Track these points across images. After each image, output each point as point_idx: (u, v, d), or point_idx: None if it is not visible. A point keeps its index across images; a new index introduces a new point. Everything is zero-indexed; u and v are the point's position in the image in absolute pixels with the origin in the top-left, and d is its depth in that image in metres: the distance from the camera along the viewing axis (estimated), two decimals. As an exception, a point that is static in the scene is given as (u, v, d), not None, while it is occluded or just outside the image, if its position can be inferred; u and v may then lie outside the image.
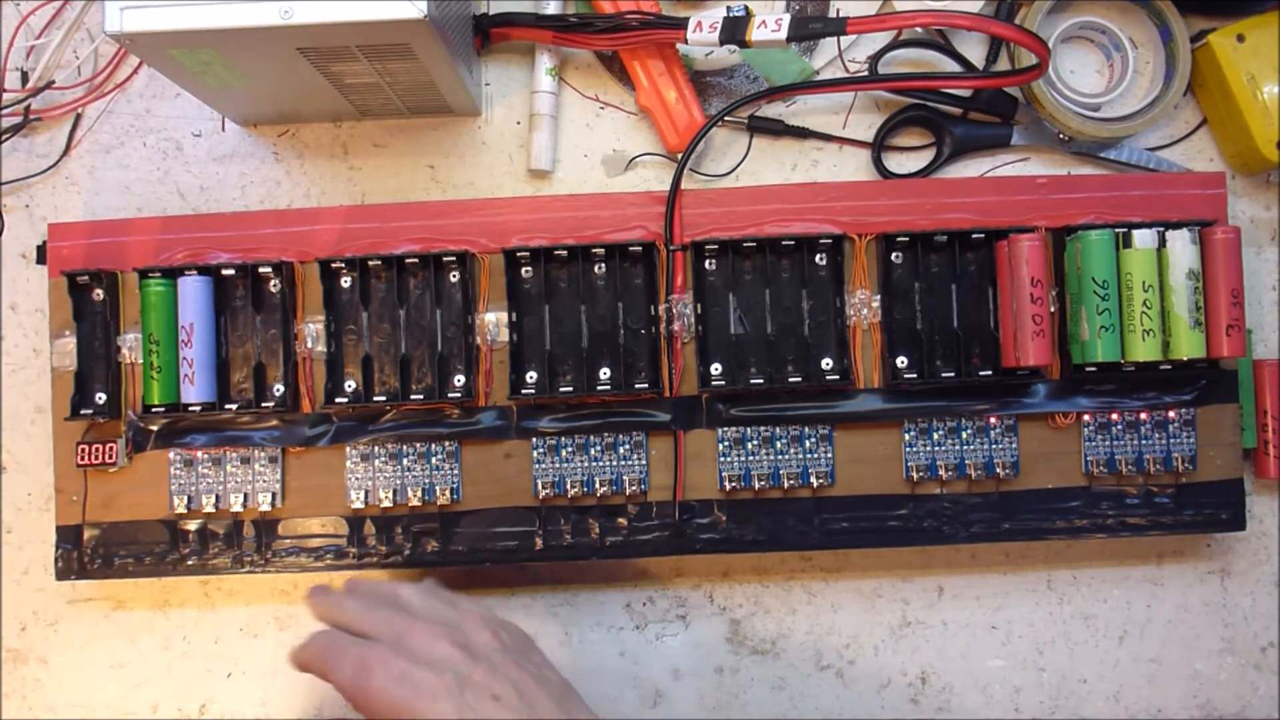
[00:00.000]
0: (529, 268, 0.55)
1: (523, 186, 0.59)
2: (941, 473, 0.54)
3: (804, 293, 0.54)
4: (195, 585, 0.58)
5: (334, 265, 0.54)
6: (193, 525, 0.55)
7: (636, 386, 0.54)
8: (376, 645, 0.43)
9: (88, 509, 0.55)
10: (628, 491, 0.54)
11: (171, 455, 0.55)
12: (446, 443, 0.55)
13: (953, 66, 0.58)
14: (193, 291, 0.54)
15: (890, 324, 0.54)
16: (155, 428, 0.55)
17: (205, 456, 0.55)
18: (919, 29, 0.58)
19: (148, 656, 0.58)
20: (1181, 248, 0.52)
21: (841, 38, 0.57)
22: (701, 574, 0.58)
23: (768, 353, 0.54)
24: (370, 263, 0.54)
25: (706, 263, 0.55)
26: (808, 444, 0.54)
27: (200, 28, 0.45)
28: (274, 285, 0.55)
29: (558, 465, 0.54)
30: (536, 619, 0.58)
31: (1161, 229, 0.52)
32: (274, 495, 0.55)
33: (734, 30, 0.53)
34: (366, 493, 0.55)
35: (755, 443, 0.54)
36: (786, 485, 0.54)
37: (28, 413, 0.59)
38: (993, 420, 0.54)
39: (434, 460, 0.55)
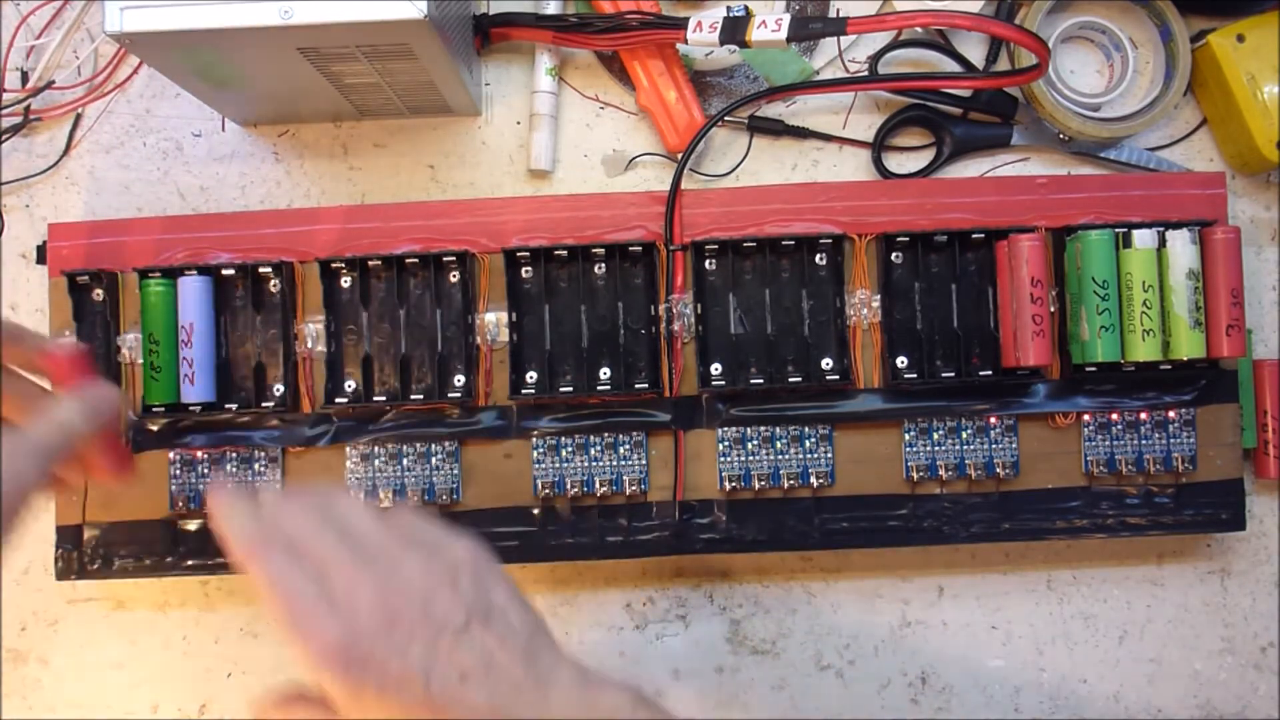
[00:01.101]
0: (529, 268, 0.55)
1: (523, 186, 0.59)
2: (941, 473, 0.54)
3: (804, 293, 0.54)
4: (195, 585, 0.58)
5: (334, 265, 0.54)
6: (193, 525, 0.55)
7: (636, 386, 0.54)
8: (341, 616, 0.36)
9: (88, 509, 0.55)
10: (628, 491, 0.54)
11: (171, 455, 0.55)
12: (446, 443, 0.55)
13: (953, 66, 0.58)
14: (193, 291, 0.54)
15: (890, 324, 0.54)
16: (155, 428, 0.55)
17: (205, 456, 0.55)
18: (919, 29, 0.58)
19: (148, 656, 0.58)
20: (1181, 248, 0.52)
21: (841, 38, 0.57)
22: (701, 574, 0.58)
23: (768, 353, 0.54)
24: (370, 263, 0.54)
25: (706, 263, 0.55)
26: (808, 444, 0.54)
27: (200, 28, 0.45)
28: (274, 285, 0.55)
29: (558, 465, 0.54)
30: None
31: (1161, 229, 0.52)
32: (274, 495, 0.55)
33: (734, 30, 0.53)
34: (366, 493, 0.55)
35: (755, 443, 0.54)
36: (786, 485, 0.54)
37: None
38: (993, 420, 0.54)
39: (434, 460, 0.55)
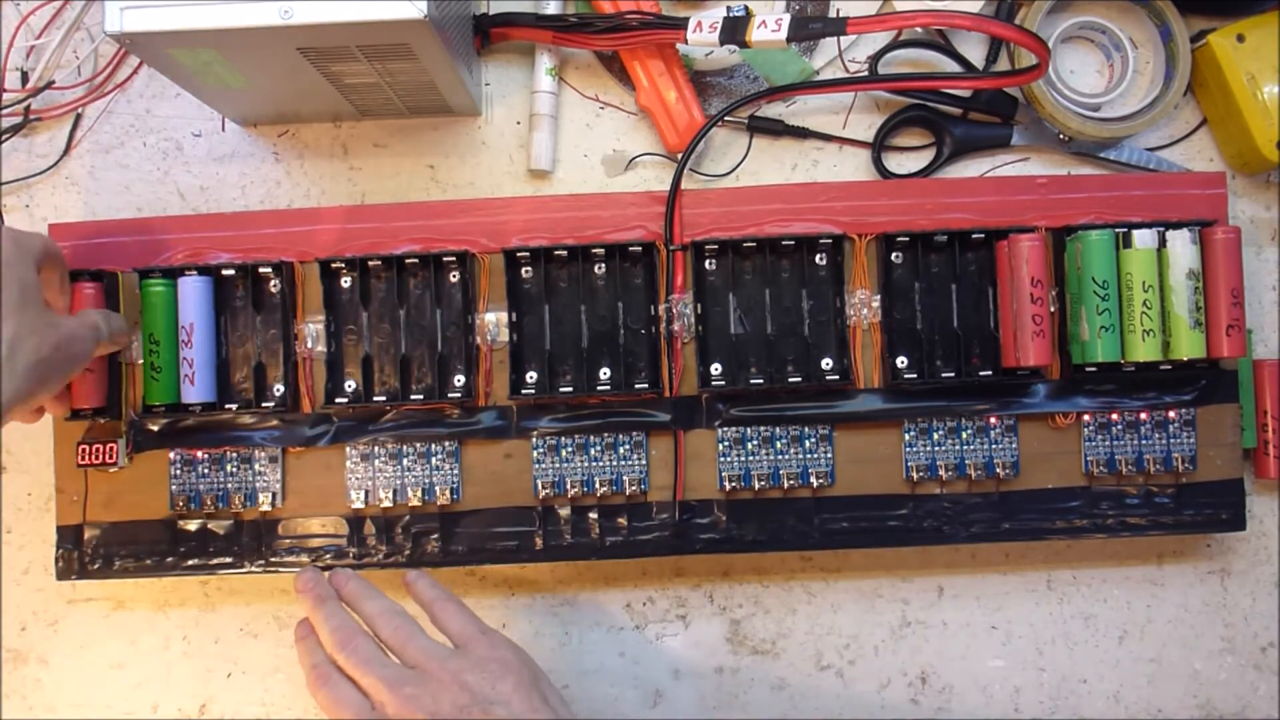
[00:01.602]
0: (529, 268, 0.55)
1: (523, 186, 0.59)
2: (941, 473, 0.54)
3: (804, 293, 0.54)
4: (195, 585, 0.58)
5: (334, 265, 0.54)
6: (193, 525, 0.55)
7: (636, 386, 0.54)
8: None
9: (88, 509, 0.55)
10: (628, 491, 0.54)
11: (171, 455, 0.55)
12: (446, 443, 0.55)
13: (953, 66, 0.58)
14: (193, 291, 0.54)
15: (890, 324, 0.54)
16: (155, 428, 0.55)
17: (205, 456, 0.55)
18: (919, 29, 0.58)
19: (148, 656, 0.58)
20: (1181, 248, 0.52)
21: (841, 38, 0.57)
22: (701, 574, 0.58)
23: (768, 353, 0.54)
24: (370, 263, 0.54)
25: (706, 263, 0.55)
26: (808, 444, 0.54)
27: (200, 28, 0.45)
28: (274, 285, 0.55)
29: (558, 465, 0.54)
30: (537, 619, 0.58)
31: (1161, 229, 0.52)
32: (274, 495, 0.55)
33: (734, 30, 0.53)
34: (366, 493, 0.55)
35: (755, 443, 0.54)
36: (786, 485, 0.54)
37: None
38: (993, 420, 0.54)
39: (434, 460, 0.55)
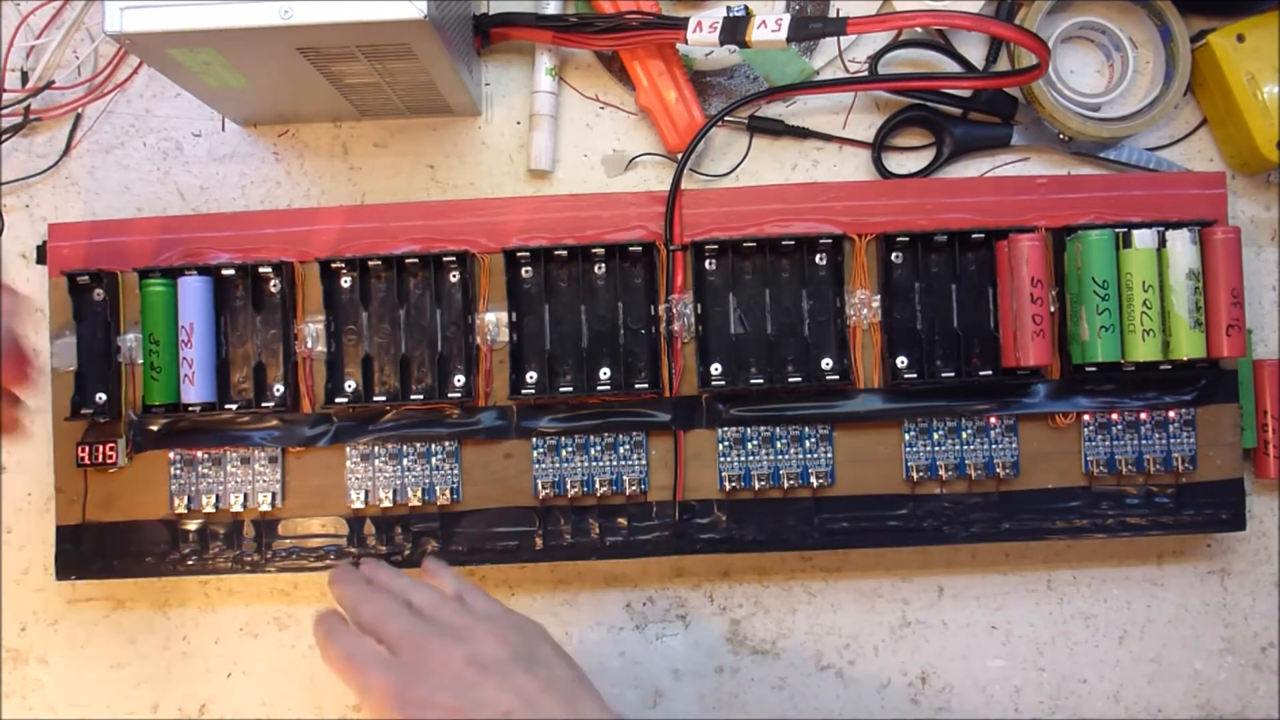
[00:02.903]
0: (529, 268, 0.55)
1: (523, 186, 0.59)
2: (941, 473, 0.54)
3: (804, 293, 0.54)
4: (195, 585, 0.58)
5: (334, 265, 0.54)
6: (193, 525, 0.55)
7: (636, 386, 0.54)
8: (396, 667, 0.43)
9: (88, 509, 0.55)
10: (628, 491, 0.54)
11: (171, 455, 0.55)
12: (446, 443, 0.55)
13: (953, 66, 0.58)
14: (193, 291, 0.54)
15: (890, 324, 0.54)
16: (155, 428, 0.55)
17: (205, 456, 0.55)
18: (919, 29, 0.58)
19: (148, 656, 0.58)
20: (1181, 248, 0.52)
21: (841, 38, 0.57)
22: (701, 574, 0.58)
23: (768, 353, 0.54)
24: (370, 263, 0.54)
25: (706, 263, 0.55)
26: (808, 444, 0.54)
27: (200, 28, 0.45)
28: (274, 285, 0.55)
29: (558, 465, 0.54)
30: (537, 619, 0.58)
31: (1161, 229, 0.52)
32: (274, 495, 0.55)
33: (734, 30, 0.53)
34: (366, 493, 0.55)
35: (755, 443, 0.54)
36: (786, 485, 0.54)
37: (28, 413, 0.59)
38: (993, 420, 0.54)
39: (434, 460, 0.55)
